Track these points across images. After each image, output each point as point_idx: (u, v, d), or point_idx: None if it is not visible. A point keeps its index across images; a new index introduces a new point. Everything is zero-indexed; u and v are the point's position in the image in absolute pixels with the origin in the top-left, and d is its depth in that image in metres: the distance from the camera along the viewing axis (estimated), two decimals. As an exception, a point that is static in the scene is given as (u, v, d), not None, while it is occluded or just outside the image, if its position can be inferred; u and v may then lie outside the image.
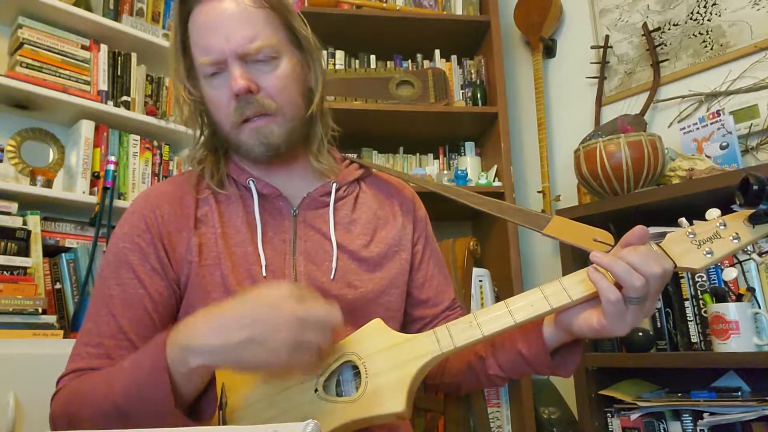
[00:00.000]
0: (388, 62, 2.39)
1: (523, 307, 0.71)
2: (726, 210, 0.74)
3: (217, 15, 0.79)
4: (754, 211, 0.70)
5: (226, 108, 0.80)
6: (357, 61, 2.36)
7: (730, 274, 0.73)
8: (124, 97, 1.96)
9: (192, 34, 0.82)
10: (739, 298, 1.38)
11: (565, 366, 0.79)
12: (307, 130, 0.88)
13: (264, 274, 0.80)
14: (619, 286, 0.66)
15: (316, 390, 0.70)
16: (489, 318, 0.71)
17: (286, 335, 0.61)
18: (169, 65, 0.86)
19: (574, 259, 1.66)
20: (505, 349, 0.80)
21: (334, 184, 0.89)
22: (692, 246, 0.70)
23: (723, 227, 0.71)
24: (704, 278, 1.47)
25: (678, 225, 0.74)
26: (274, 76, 0.81)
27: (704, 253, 0.70)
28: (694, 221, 0.73)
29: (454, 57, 2.41)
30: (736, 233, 0.71)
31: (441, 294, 0.94)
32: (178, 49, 0.83)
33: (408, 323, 0.93)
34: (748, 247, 0.72)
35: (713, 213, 0.73)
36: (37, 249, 1.63)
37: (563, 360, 0.78)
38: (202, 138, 0.88)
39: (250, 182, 0.85)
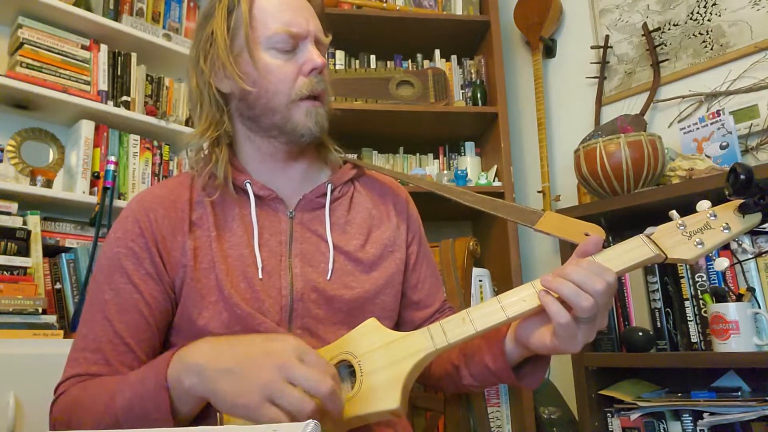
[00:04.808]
0: (388, 62, 2.39)
1: (515, 302, 0.71)
2: (726, 209, 0.74)
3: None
4: (743, 201, 0.70)
5: (290, 81, 0.82)
6: (357, 61, 2.36)
7: (722, 264, 0.73)
8: (124, 97, 1.97)
9: (265, 5, 0.83)
10: (739, 298, 1.38)
11: (532, 377, 0.79)
12: None
13: (260, 276, 0.79)
14: (568, 306, 0.66)
15: None
16: (481, 314, 0.71)
17: (265, 381, 0.58)
18: (240, 33, 0.83)
19: (574, 258, 1.66)
20: (474, 361, 0.81)
21: (329, 185, 0.89)
22: (683, 237, 0.71)
23: (713, 218, 0.71)
24: (704, 278, 1.47)
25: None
26: (327, 68, 0.87)
27: (695, 243, 0.70)
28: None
29: (454, 57, 2.41)
30: (727, 223, 0.71)
31: (432, 296, 0.94)
32: (250, 15, 0.83)
33: (399, 326, 0.93)
34: (743, 241, 0.72)
35: (703, 205, 0.73)
36: (37, 249, 1.64)
37: (529, 372, 0.79)
38: (216, 124, 0.85)
39: (247, 184, 0.85)
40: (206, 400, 0.63)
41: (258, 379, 0.59)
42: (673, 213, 0.74)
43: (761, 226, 0.72)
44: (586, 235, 0.78)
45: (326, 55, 0.91)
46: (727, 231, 0.70)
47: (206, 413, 0.68)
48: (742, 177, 0.67)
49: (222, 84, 0.84)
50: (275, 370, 0.59)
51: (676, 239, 0.71)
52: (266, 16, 0.82)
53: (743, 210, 0.71)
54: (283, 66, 0.82)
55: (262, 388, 0.58)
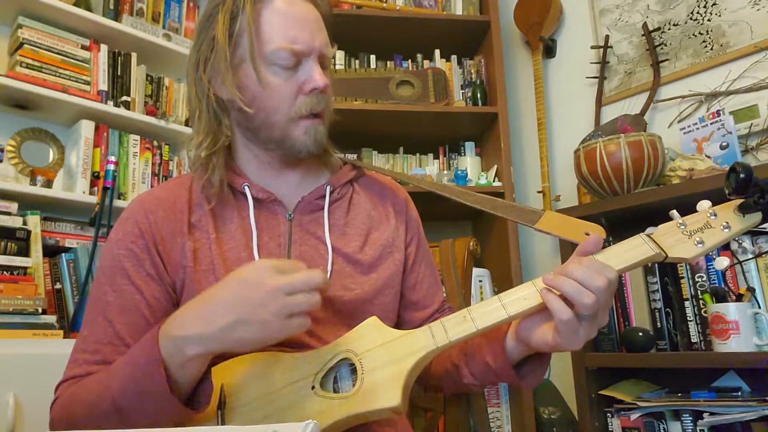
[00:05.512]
0: (388, 62, 2.39)
1: (516, 300, 0.71)
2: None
3: (301, 11, 0.82)
4: (743, 200, 0.70)
5: (291, 99, 0.81)
6: (357, 61, 2.36)
7: (723, 263, 0.74)
8: (124, 97, 1.97)
9: (271, 17, 0.80)
10: (739, 298, 1.38)
11: (533, 375, 0.80)
12: None
13: None
14: (570, 303, 0.66)
15: (313, 387, 0.70)
16: (483, 312, 0.71)
17: (273, 307, 0.62)
18: (242, 43, 0.81)
19: (574, 258, 1.66)
20: (475, 359, 0.81)
21: (328, 187, 0.89)
22: (683, 236, 0.71)
23: (713, 217, 0.72)
24: (704, 278, 1.47)
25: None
26: (328, 81, 0.84)
27: (695, 243, 0.70)
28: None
29: (454, 57, 2.41)
30: (727, 222, 0.71)
31: (431, 297, 0.94)
32: (255, 30, 0.80)
33: (399, 326, 0.93)
34: (744, 241, 0.73)
35: (704, 204, 0.73)
36: (37, 249, 1.64)
37: (530, 370, 0.80)
38: (215, 133, 0.85)
39: (245, 187, 0.85)
40: (209, 361, 0.66)
41: (264, 312, 0.62)
42: (674, 212, 0.74)
43: (761, 226, 0.72)
44: (587, 234, 0.78)
45: (331, 64, 0.90)
46: (727, 230, 0.70)
47: (205, 415, 0.68)
48: (741, 176, 0.67)
49: (221, 91, 0.83)
50: (272, 295, 0.62)
51: (677, 238, 0.71)
52: (271, 30, 0.80)
53: (743, 209, 0.71)
54: (284, 84, 0.81)
55: (275, 315, 0.62)
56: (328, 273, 0.83)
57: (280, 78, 0.80)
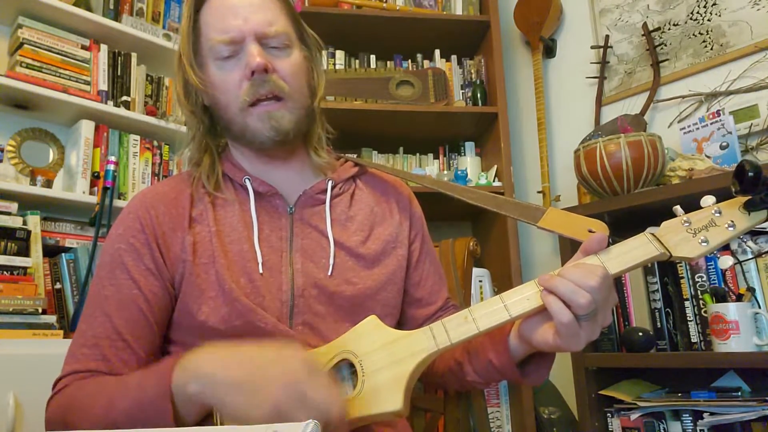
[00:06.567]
0: (388, 62, 2.39)
1: (519, 301, 0.70)
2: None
3: (235, 1, 0.82)
4: (749, 197, 0.69)
5: (237, 89, 0.81)
6: (357, 61, 2.36)
7: (726, 262, 0.72)
8: (124, 97, 1.97)
9: (207, 16, 0.83)
10: (739, 298, 1.38)
11: (536, 374, 0.79)
12: (308, 125, 0.89)
13: (261, 271, 0.80)
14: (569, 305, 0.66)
15: None
16: (485, 313, 0.70)
17: (276, 400, 0.57)
18: (180, 49, 0.86)
19: (574, 258, 1.66)
20: (478, 357, 0.81)
21: (330, 182, 0.89)
22: (688, 235, 0.69)
23: (718, 215, 0.70)
24: (704, 278, 1.47)
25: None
26: (288, 62, 0.83)
27: (699, 241, 0.69)
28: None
29: (454, 57, 2.41)
30: (732, 221, 0.69)
31: (435, 294, 0.94)
32: (190, 33, 0.84)
33: (401, 323, 0.93)
34: (747, 240, 0.71)
35: (708, 200, 0.72)
36: (37, 249, 1.64)
37: (534, 368, 0.79)
38: (198, 135, 0.88)
39: (246, 180, 0.85)
40: (210, 409, 0.62)
41: (269, 396, 0.57)
42: (677, 208, 0.72)
43: (762, 226, 0.71)
44: (590, 231, 0.78)
45: (303, 37, 0.88)
46: (732, 228, 0.69)
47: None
48: (750, 174, 0.65)
49: (202, 99, 0.87)
50: (288, 389, 0.58)
51: (681, 236, 0.70)
52: (208, 29, 0.83)
53: (749, 207, 0.69)
54: (228, 75, 0.81)
55: (272, 407, 0.57)
56: (330, 267, 0.83)
57: (224, 71, 0.82)
